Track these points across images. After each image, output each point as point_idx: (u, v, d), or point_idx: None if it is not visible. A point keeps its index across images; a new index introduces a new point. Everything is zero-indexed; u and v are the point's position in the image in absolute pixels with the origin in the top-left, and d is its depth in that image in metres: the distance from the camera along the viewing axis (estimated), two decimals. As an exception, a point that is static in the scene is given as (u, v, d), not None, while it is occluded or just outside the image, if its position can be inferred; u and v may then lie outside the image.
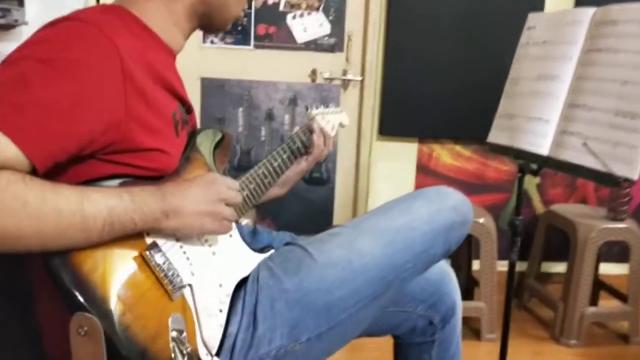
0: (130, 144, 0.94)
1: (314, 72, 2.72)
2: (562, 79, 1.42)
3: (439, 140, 2.80)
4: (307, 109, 1.73)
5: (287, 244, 1.16)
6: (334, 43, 2.70)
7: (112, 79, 0.88)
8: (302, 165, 1.35)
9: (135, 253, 0.91)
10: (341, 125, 1.48)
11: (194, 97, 2.65)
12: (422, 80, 2.69)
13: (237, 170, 2.71)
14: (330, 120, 1.42)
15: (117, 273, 0.87)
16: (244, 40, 2.65)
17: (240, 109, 2.70)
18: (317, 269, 1.06)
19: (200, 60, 2.64)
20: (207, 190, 0.97)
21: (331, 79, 2.73)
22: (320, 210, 2.82)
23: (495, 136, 1.58)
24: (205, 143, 1.14)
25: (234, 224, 1.09)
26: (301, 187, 2.78)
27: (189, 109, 1.14)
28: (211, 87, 2.66)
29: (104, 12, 0.97)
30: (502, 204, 2.89)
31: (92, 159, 0.92)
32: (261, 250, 1.15)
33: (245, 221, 2.43)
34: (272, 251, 1.15)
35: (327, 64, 2.72)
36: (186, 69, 2.59)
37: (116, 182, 0.94)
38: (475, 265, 2.58)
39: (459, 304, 1.34)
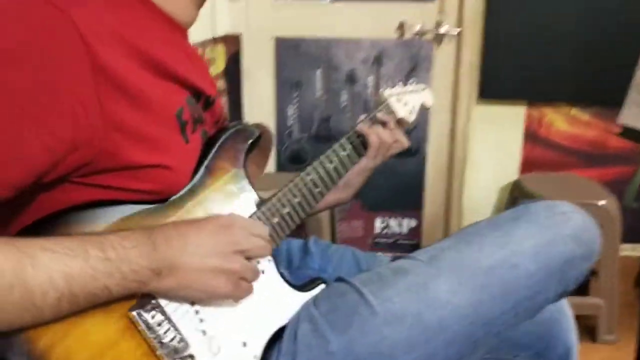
0: (114, 160, 0.69)
1: (401, 25, 2.35)
2: None
3: (551, 103, 2.38)
4: (378, 88, 1.41)
5: (338, 279, 0.87)
6: (426, -10, 2.33)
7: (71, 70, 0.63)
8: (362, 162, 1.04)
9: (117, 314, 0.67)
10: (424, 107, 1.15)
11: (267, 59, 2.39)
12: (532, 33, 2.26)
13: (315, 140, 2.45)
14: (408, 101, 1.10)
15: (88, 347, 0.64)
16: (321, -7, 2.34)
17: (318, 71, 2.41)
18: (376, 324, 0.77)
19: (273, 19, 2.37)
20: (219, 237, 0.71)
21: (422, 34, 2.36)
22: (410, 185, 2.52)
23: (631, 117, 1.19)
24: (234, 145, 0.86)
25: (268, 258, 0.82)
26: (387, 158, 2.48)
27: (208, 101, 0.86)
28: (286, 47, 2.39)
29: None
30: (627, 178, 2.44)
31: (64, 183, 0.68)
32: (307, 286, 0.87)
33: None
34: (321, 287, 0.87)
35: (418, 16, 2.34)
36: (258, 30, 2.40)
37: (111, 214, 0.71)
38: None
39: (575, 348, 1.01)
